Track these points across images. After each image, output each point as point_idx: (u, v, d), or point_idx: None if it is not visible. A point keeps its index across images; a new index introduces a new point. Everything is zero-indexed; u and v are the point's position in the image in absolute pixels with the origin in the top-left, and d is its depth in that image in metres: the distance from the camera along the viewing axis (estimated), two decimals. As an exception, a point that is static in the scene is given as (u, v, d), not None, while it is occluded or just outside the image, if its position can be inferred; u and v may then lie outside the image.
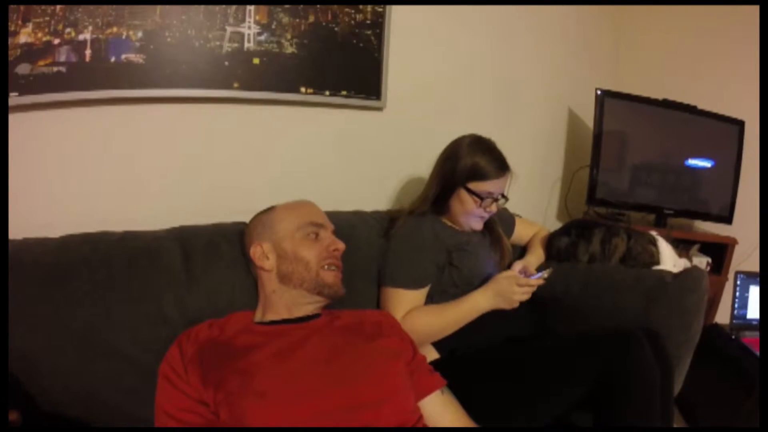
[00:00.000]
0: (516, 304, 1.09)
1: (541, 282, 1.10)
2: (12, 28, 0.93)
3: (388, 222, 1.26)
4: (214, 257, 1.02)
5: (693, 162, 1.85)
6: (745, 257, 1.85)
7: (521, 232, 1.44)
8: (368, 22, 1.37)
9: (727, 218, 1.85)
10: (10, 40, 0.93)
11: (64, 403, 0.83)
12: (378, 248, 1.20)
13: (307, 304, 0.95)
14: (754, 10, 1.76)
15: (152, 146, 1.16)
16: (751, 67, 1.77)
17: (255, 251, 0.96)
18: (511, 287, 1.08)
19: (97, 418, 0.86)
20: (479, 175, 1.14)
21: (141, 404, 0.84)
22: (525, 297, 1.09)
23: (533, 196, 2.03)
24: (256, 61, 1.22)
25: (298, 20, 1.27)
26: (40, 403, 0.81)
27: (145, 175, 1.16)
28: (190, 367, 0.80)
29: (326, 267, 0.94)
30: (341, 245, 0.98)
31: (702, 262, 1.62)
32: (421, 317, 1.09)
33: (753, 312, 1.66)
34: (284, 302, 0.94)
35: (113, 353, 0.87)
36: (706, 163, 1.86)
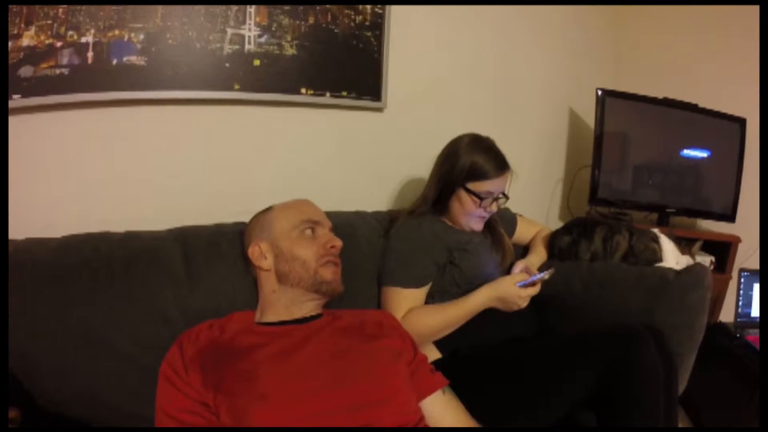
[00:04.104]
0: (516, 309, 1.10)
1: (544, 278, 1.10)
2: (15, 31, 0.94)
3: (388, 222, 1.26)
4: (215, 257, 1.02)
5: (688, 152, 1.84)
6: (749, 255, 1.84)
7: (523, 232, 1.44)
8: (368, 23, 1.38)
9: (730, 216, 1.84)
10: (13, 43, 0.94)
11: (65, 403, 0.84)
12: (378, 248, 1.20)
13: (306, 302, 0.94)
14: (754, 9, 1.76)
15: (153, 147, 1.17)
16: (752, 65, 1.77)
17: (253, 251, 0.96)
18: (516, 293, 1.08)
19: (98, 417, 0.86)
20: (478, 175, 1.13)
21: (141, 404, 0.84)
22: (525, 303, 1.10)
23: (535, 196, 2.02)
24: (256, 62, 1.23)
25: (298, 22, 1.27)
26: (40, 402, 0.81)
27: (146, 175, 1.17)
28: (191, 367, 0.80)
29: (324, 264, 0.94)
30: (338, 242, 0.98)
31: (705, 260, 1.61)
32: (421, 317, 1.08)
33: (757, 310, 1.65)
34: (283, 302, 0.94)
35: (114, 353, 0.88)
36: (702, 153, 1.84)
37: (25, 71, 0.96)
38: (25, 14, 0.94)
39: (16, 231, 0.93)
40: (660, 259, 1.26)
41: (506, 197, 1.21)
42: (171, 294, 0.95)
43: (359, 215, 1.29)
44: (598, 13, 2.06)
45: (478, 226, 1.21)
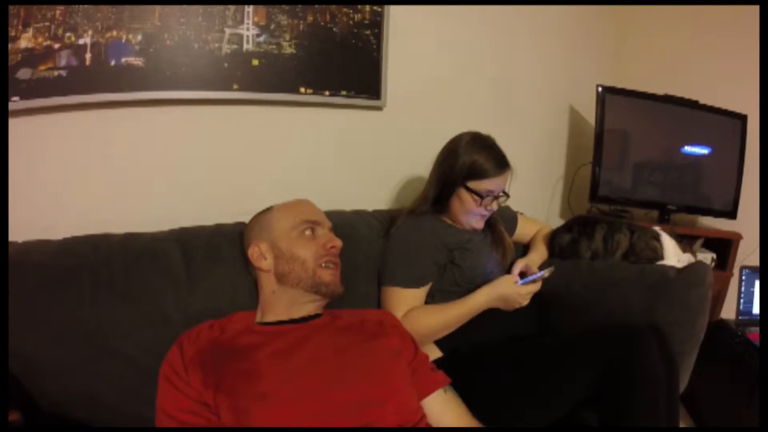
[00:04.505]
0: (517, 306, 1.10)
1: (544, 276, 1.10)
2: (12, 33, 0.94)
3: (388, 222, 1.26)
4: (215, 258, 1.02)
5: (689, 149, 1.83)
6: (750, 252, 1.83)
7: (524, 230, 1.44)
8: (367, 22, 1.38)
9: (731, 213, 1.83)
10: (11, 46, 0.94)
11: (65, 404, 0.84)
12: (379, 248, 1.20)
13: (306, 303, 0.94)
14: (755, 6, 1.74)
15: (152, 148, 1.17)
16: (753, 62, 1.76)
17: (253, 252, 0.96)
18: (516, 291, 1.08)
19: (98, 418, 0.86)
20: (478, 174, 1.13)
21: (141, 405, 0.84)
22: (527, 302, 1.10)
23: (536, 194, 2.02)
24: (255, 62, 1.23)
25: (296, 21, 1.27)
26: (40, 403, 0.82)
27: (146, 176, 1.17)
28: (191, 367, 0.81)
29: (323, 265, 0.94)
30: (338, 242, 0.98)
31: (707, 257, 1.61)
32: (422, 317, 1.08)
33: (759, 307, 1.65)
34: (283, 303, 0.94)
35: (114, 354, 0.88)
36: (703, 150, 1.84)
37: (23, 73, 0.96)
38: (22, 16, 0.94)
39: (17, 233, 0.93)
40: (661, 258, 1.26)
41: (507, 195, 1.20)
42: (171, 295, 0.95)
43: (359, 215, 1.29)
44: (598, 11, 2.05)
45: (478, 224, 1.21)
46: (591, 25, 2.05)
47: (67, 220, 1.04)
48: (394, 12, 1.42)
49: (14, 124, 0.97)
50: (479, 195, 1.14)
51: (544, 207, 2.07)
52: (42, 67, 0.98)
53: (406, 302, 1.10)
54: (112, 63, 1.05)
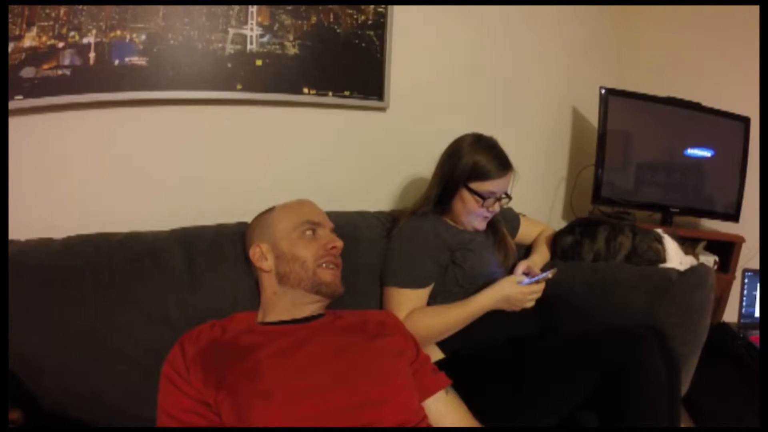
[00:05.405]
0: (521, 307, 1.10)
1: (547, 277, 1.10)
2: (17, 32, 0.94)
3: (390, 222, 1.26)
4: (217, 258, 1.02)
5: (692, 151, 1.83)
6: (752, 255, 1.83)
7: (526, 232, 1.43)
8: (370, 22, 1.38)
9: (734, 216, 1.83)
10: (14, 44, 0.94)
11: (67, 404, 0.84)
12: (381, 248, 1.20)
13: (307, 304, 0.94)
14: (758, 8, 1.74)
15: (155, 148, 1.17)
16: (756, 64, 1.76)
17: (254, 252, 0.96)
18: (520, 290, 1.08)
19: (99, 418, 0.86)
20: (480, 175, 1.13)
21: (143, 405, 0.84)
22: (531, 303, 1.10)
23: (538, 195, 2.02)
24: (258, 62, 1.23)
25: (300, 21, 1.27)
26: (42, 403, 0.81)
27: (149, 176, 1.17)
28: (192, 367, 0.81)
29: (324, 265, 0.94)
30: (339, 243, 0.98)
31: (709, 260, 1.60)
32: (423, 318, 1.08)
33: (761, 310, 1.64)
34: (285, 303, 0.94)
35: (115, 354, 0.88)
36: (705, 152, 1.84)
37: (27, 72, 0.96)
38: (26, 15, 0.94)
39: (18, 232, 0.93)
40: (663, 260, 1.26)
41: (509, 197, 1.20)
42: (173, 295, 0.95)
43: (361, 215, 1.29)
44: (600, 12, 2.05)
45: (480, 225, 1.21)
46: (593, 26, 2.05)
47: (68, 220, 1.04)
48: (397, 12, 1.42)
49: (17, 123, 0.97)
50: (481, 196, 1.14)
51: (547, 208, 2.07)
52: (46, 66, 0.98)
53: (407, 302, 1.10)
54: (116, 62, 1.05)
